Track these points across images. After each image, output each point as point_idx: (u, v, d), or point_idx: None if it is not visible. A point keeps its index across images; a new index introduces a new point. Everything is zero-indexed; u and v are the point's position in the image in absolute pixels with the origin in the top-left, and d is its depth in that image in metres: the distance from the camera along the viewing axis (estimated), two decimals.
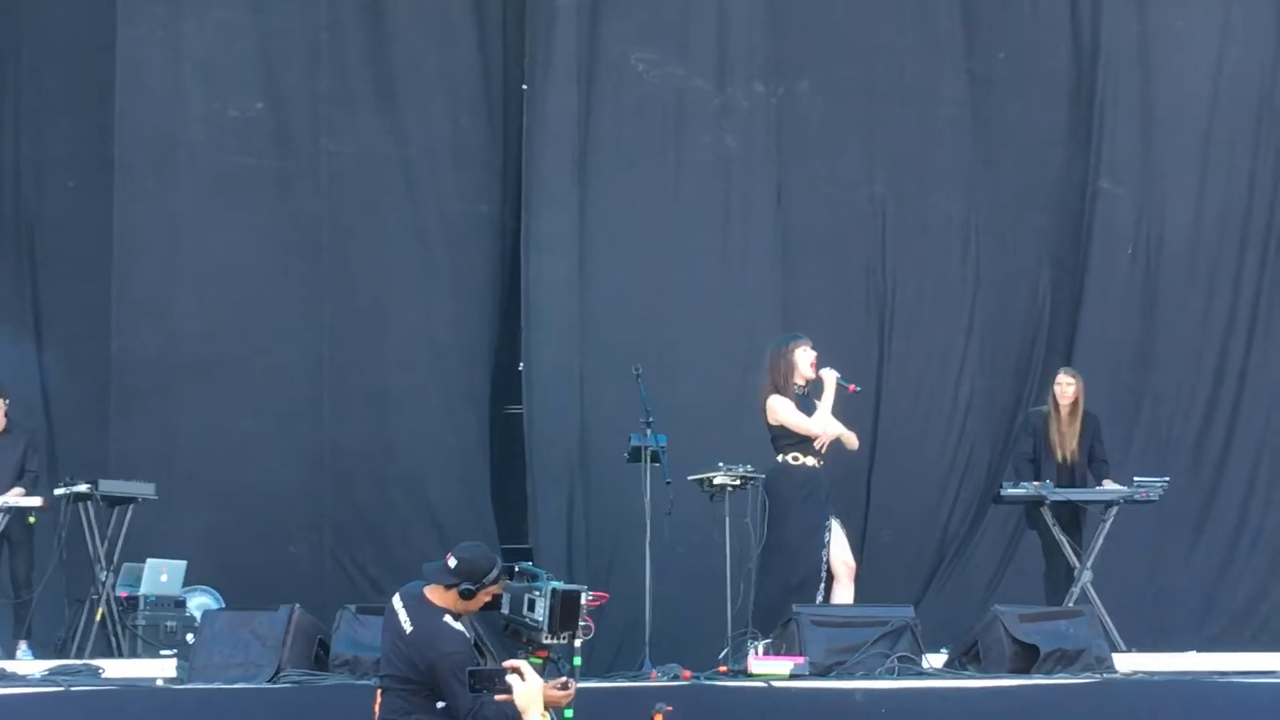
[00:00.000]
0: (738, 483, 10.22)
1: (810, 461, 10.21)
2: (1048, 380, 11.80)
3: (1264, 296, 12.88)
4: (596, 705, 7.76)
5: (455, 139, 12.65)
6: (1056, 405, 11.19)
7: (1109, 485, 11.04)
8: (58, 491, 10.78)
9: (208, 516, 11.55)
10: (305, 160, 12.44)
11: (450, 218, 12.62)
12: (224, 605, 10.86)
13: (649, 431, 10.21)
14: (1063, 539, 10.84)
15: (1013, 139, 13.06)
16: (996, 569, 12.25)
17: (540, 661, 7.34)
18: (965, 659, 9.80)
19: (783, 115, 12.74)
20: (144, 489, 10.92)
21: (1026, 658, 9.44)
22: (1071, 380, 11.17)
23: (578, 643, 7.54)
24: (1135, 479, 11.01)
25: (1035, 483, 10.88)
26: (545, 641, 7.29)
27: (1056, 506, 10.89)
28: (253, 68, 12.42)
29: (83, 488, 10.64)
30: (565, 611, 7.31)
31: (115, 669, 9.62)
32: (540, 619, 7.26)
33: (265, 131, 12.41)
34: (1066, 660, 9.41)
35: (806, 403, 10.27)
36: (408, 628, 7.23)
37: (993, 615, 9.70)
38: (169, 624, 10.66)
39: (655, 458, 10.17)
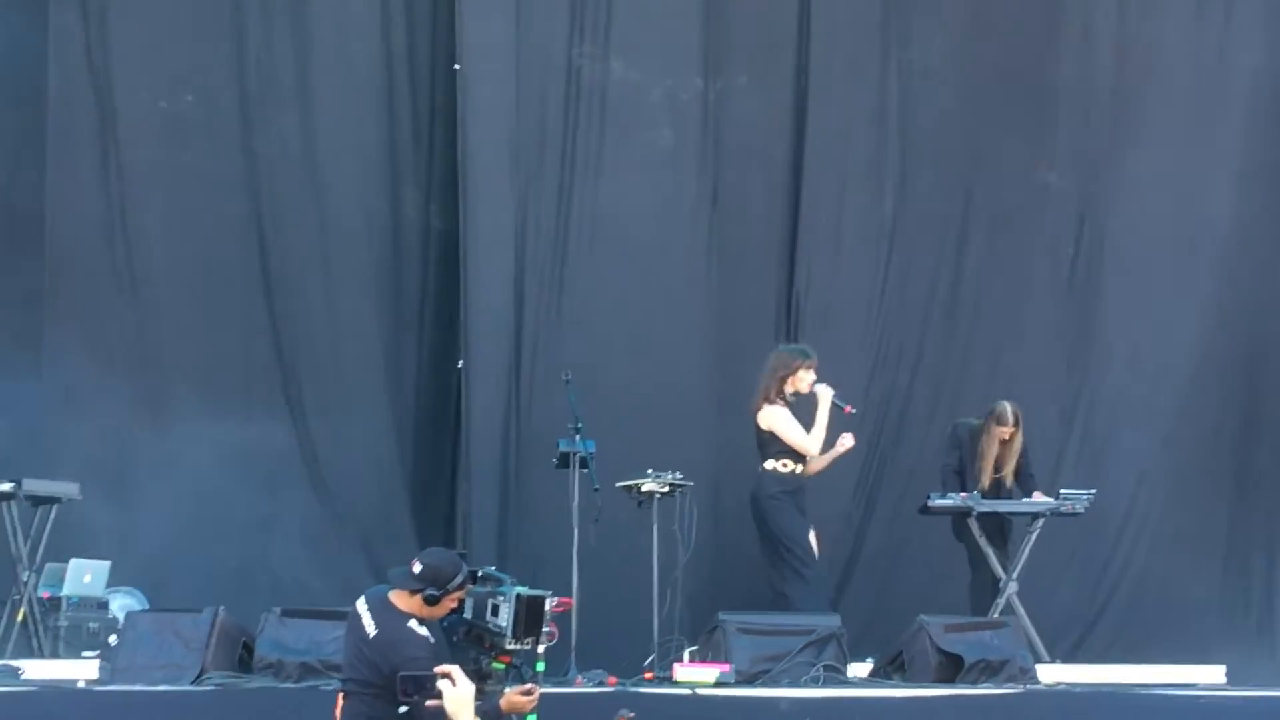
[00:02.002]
0: (666, 489, 10.28)
1: (797, 469, 10.40)
2: (968, 384, 11.84)
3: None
4: (559, 711, 7.74)
5: (386, 137, 12.55)
6: (992, 434, 11.14)
7: (1038, 497, 11.08)
8: None
9: (133, 517, 11.45)
10: (235, 159, 12.34)
11: (380, 218, 12.53)
12: (147, 606, 10.76)
13: (578, 437, 10.22)
14: (989, 550, 10.88)
15: (948, 130, 12.87)
16: (922, 579, 12.26)
17: (503, 667, 7.35)
18: (890, 668, 9.84)
19: (720, 111, 12.67)
20: (69, 489, 10.83)
21: (951, 668, 9.49)
22: (1011, 428, 11.06)
23: (541, 648, 7.54)
24: (1062, 491, 11.06)
25: (962, 494, 10.92)
26: (509, 647, 7.29)
27: (983, 518, 10.93)
28: (183, 58, 12.32)
29: (6, 487, 10.51)
30: (529, 617, 7.31)
31: (36, 670, 9.54)
32: (504, 624, 7.26)
33: (195, 125, 12.32)
34: (990, 671, 9.48)
35: (796, 413, 10.43)
36: (371, 632, 7.22)
37: (918, 625, 9.75)
38: (91, 625, 10.56)
39: (584, 463, 10.18)
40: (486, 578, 7.51)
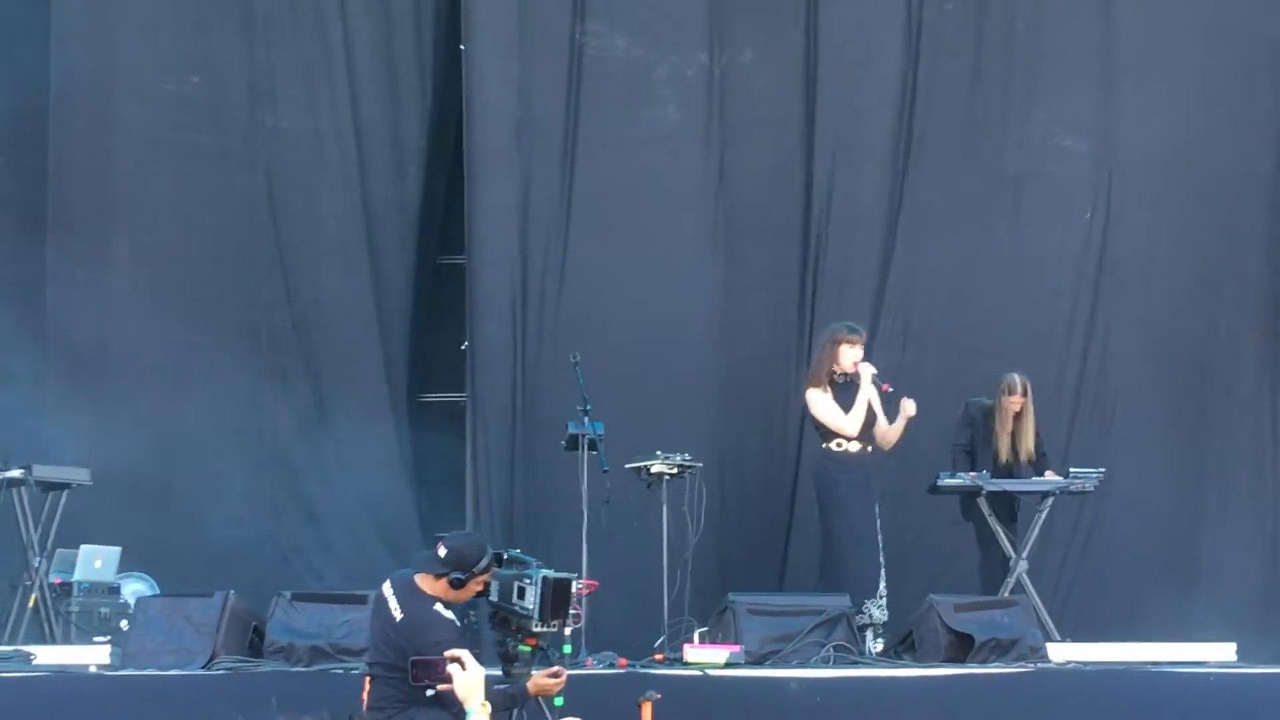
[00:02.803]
0: (675, 471, 10.27)
1: (854, 447, 10.30)
2: (983, 362, 11.81)
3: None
4: (584, 692, 7.77)
5: (392, 112, 12.55)
6: (1003, 410, 11.13)
7: (1049, 476, 11.05)
8: None
9: (142, 502, 11.46)
10: (242, 135, 12.34)
11: (387, 193, 12.53)
12: (158, 591, 10.78)
13: (586, 419, 10.22)
14: (998, 529, 10.87)
15: (959, 100, 12.70)
16: (931, 559, 12.25)
17: (529, 649, 7.37)
18: (900, 648, 9.85)
19: (725, 87, 12.60)
20: (79, 474, 10.84)
21: (961, 647, 9.50)
22: (1020, 398, 11.03)
23: (567, 630, 7.55)
24: (1071, 470, 11.03)
25: (971, 473, 10.90)
26: (535, 629, 7.32)
27: (993, 497, 10.92)
28: (188, 40, 12.31)
29: (16, 473, 10.53)
30: (556, 599, 7.34)
31: (48, 655, 9.54)
32: (531, 607, 7.28)
33: (201, 105, 12.31)
34: (1001, 650, 9.48)
35: (848, 391, 10.33)
36: (398, 615, 7.25)
37: (928, 605, 9.76)
38: (103, 610, 10.58)
39: (593, 445, 10.17)
40: (512, 560, 7.53)
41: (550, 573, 7.36)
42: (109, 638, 10.06)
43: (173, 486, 11.61)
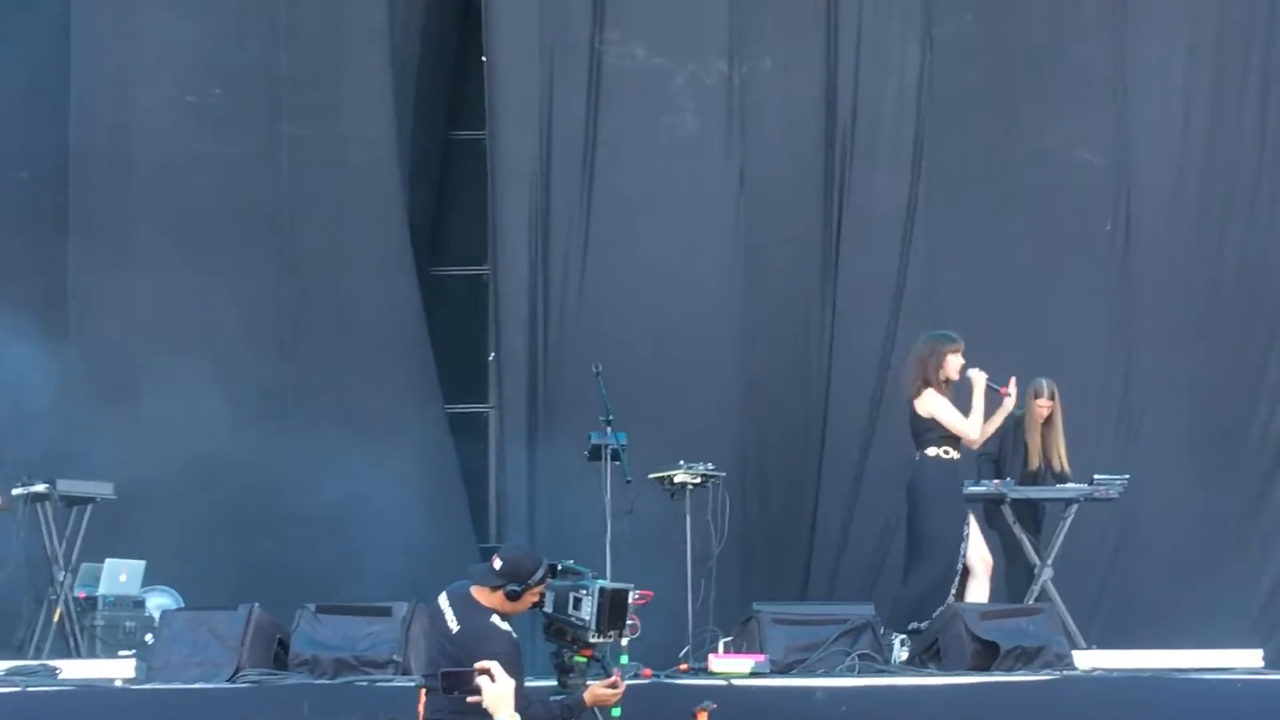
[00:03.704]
0: (698, 481, 10.27)
1: (957, 455, 10.33)
2: (1004, 368, 11.81)
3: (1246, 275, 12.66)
4: (640, 703, 7.79)
5: (405, 118, 12.56)
6: (1032, 416, 11.09)
7: (1071, 484, 11.03)
8: (15, 491, 10.64)
9: (168, 514, 11.46)
10: (263, 142, 12.36)
11: (405, 199, 12.51)
12: (183, 605, 10.79)
13: (609, 430, 10.21)
14: (1023, 537, 10.85)
15: (980, 109, 12.76)
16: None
17: (585, 660, 7.37)
18: (925, 656, 9.83)
19: (745, 95, 12.60)
20: (103, 488, 10.85)
21: (986, 655, 9.47)
22: (1047, 401, 11.04)
23: (624, 641, 7.53)
24: (1096, 476, 10.99)
25: (996, 481, 10.88)
26: (592, 640, 7.32)
27: (1017, 505, 10.89)
28: (209, 49, 12.34)
29: (41, 487, 10.54)
30: (614, 610, 7.34)
31: (73, 670, 9.55)
32: (587, 618, 7.29)
33: (223, 115, 12.34)
34: (1026, 657, 9.45)
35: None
36: (455, 627, 7.26)
37: (953, 612, 9.73)
38: (128, 624, 10.58)
39: (615, 456, 10.17)
40: (566, 571, 7.55)
41: (607, 583, 7.37)
42: (134, 651, 10.06)
43: (197, 499, 11.61)
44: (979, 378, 10.41)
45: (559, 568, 7.55)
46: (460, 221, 12.62)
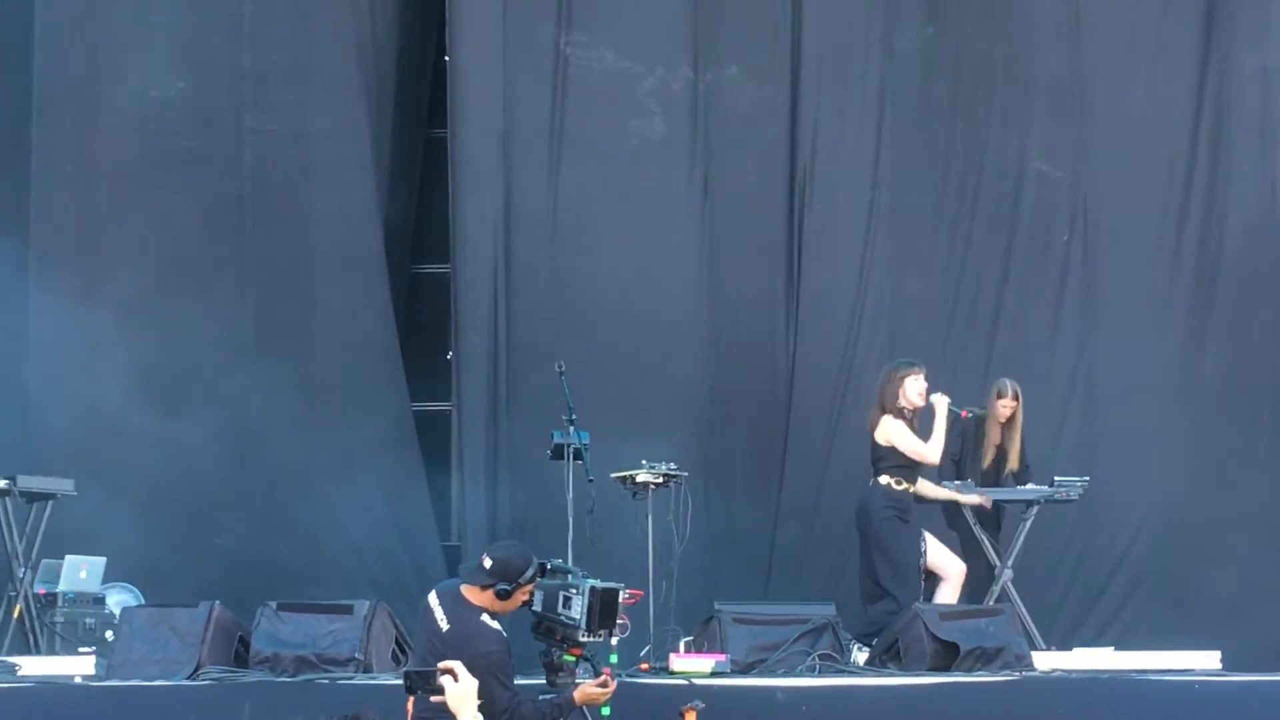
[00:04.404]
0: (660, 480, 10.28)
1: (909, 487, 10.36)
2: (965, 374, 11.86)
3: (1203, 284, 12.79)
4: (672, 701, 7.85)
5: (379, 115, 12.52)
6: (994, 416, 11.14)
7: (1031, 486, 11.08)
8: None
9: (127, 511, 11.41)
10: (228, 138, 12.30)
11: (377, 197, 12.47)
12: (143, 602, 10.76)
13: (572, 428, 10.22)
14: (983, 537, 10.89)
15: (942, 119, 12.84)
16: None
17: (574, 659, 7.38)
18: (886, 656, 9.85)
19: (710, 101, 12.64)
20: (63, 484, 10.79)
21: (947, 655, 9.49)
22: (1010, 401, 11.08)
23: (614, 640, 7.54)
24: (1056, 478, 11.04)
25: (957, 481, 10.92)
26: (581, 640, 7.33)
27: (978, 506, 10.93)
28: (173, 44, 12.27)
29: (1, 483, 10.51)
30: (604, 609, 7.35)
31: (33, 666, 9.52)
32: (577, 616, 7.31)
33: (186, 110, 12.27)
34: (986, 658, 9.47)
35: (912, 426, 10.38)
36: (444, 626, 7.28)
37: (913, 613, 9.75)
38: (88, 621, 10.55)
39: (578, 455, 10.18)
40: (556, 570, 7.55)
41: (597, 583, 7.39)
42: (94, 648, 10.04)
43: (159, 496, 11.56)
44: (940, 401, 10.49)
45: (548, 566, 7.57)
46: (441, 219, 12.57)
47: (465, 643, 7.08)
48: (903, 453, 10.33)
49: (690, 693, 8.22)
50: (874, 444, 10.44)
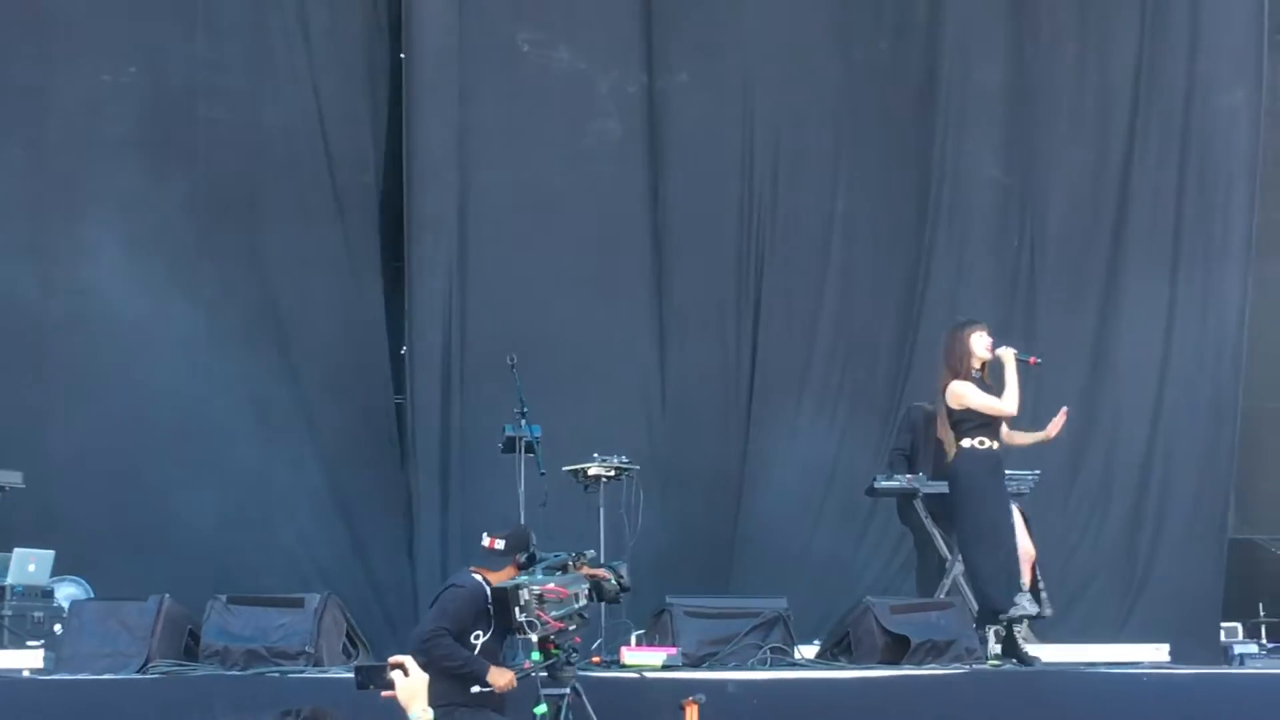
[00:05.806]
0: (612, 474, 10.28)
1: (994, 445, 10.01)
2: (922, 374, 11.89)
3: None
4: (624, 694, 7.92)
5: (337, 106, 12.43)
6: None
7: None
8: None
9: (78, 504, 11.34)
10: (181, 128, 12.18)
11: (333, 189, 12.38)
12: (92, 595, 10.69)
13: (523, 422, 10.22)
14: (934, 531, 10.90)
15: (895, 127, 13.00)
16: (878, 564, 12.35)
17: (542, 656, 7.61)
18: (837, 650, 9.87)
19: (663, 106, 12.67)
20: (11, 477, 10.72)
21: (897, 649, 9.52)
22: None
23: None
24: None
25: (909, 475, 10.93)
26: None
27: (929, 500, 10.94)
28: (126, 29, 12.14)
29: None
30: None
31: None
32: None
33: (139, 97, 12.12)
34: (937, 651, 9.50)
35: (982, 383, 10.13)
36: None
37: (864, 606, 9.78)
38: (36, 614, 10.46)
39: (530, 448, 10.18)
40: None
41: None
42: (42, 642, 9.98)
43: (110, 488, 11.48)
44: (1008, 353, 10.06)
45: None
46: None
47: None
48: (980, 412, 10.04)
49: (690, 687, 8.22)
50: (949, 410, 10.05)
